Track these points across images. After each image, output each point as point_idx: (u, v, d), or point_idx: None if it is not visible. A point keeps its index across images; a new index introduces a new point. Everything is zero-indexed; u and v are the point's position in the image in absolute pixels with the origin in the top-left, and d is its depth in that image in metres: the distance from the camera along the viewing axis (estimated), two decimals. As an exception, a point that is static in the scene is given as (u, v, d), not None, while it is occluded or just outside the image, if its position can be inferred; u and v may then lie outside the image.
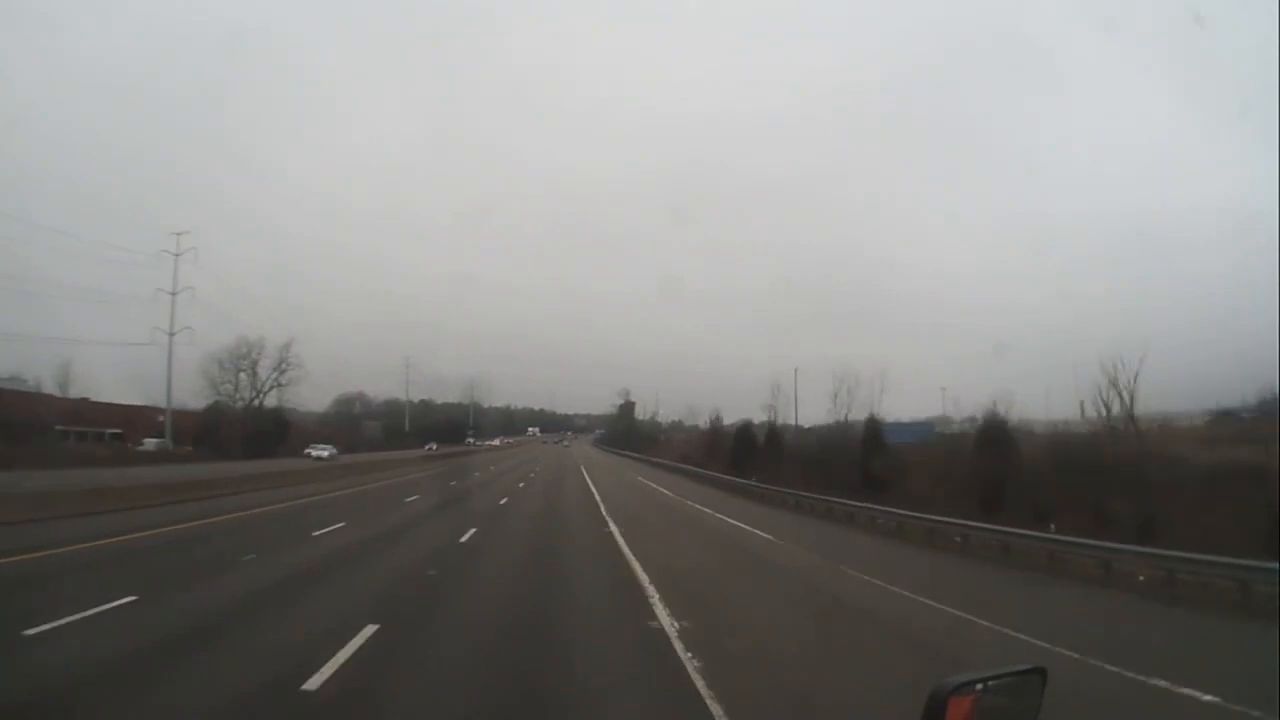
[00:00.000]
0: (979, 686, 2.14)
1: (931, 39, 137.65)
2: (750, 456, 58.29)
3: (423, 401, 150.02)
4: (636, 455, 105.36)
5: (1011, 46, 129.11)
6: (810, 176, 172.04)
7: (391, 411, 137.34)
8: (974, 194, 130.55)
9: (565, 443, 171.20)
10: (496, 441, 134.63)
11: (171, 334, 79.85)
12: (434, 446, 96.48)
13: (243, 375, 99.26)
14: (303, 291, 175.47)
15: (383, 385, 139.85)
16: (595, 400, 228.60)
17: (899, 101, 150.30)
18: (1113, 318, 67.13)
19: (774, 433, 61.77)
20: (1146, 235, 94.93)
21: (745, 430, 64.96)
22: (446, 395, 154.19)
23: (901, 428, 60.15)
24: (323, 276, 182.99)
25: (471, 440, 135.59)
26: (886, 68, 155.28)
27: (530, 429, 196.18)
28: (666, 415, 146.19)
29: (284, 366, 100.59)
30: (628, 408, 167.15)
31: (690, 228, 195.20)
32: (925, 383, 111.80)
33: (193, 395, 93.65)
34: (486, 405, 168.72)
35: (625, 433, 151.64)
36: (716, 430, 77.70)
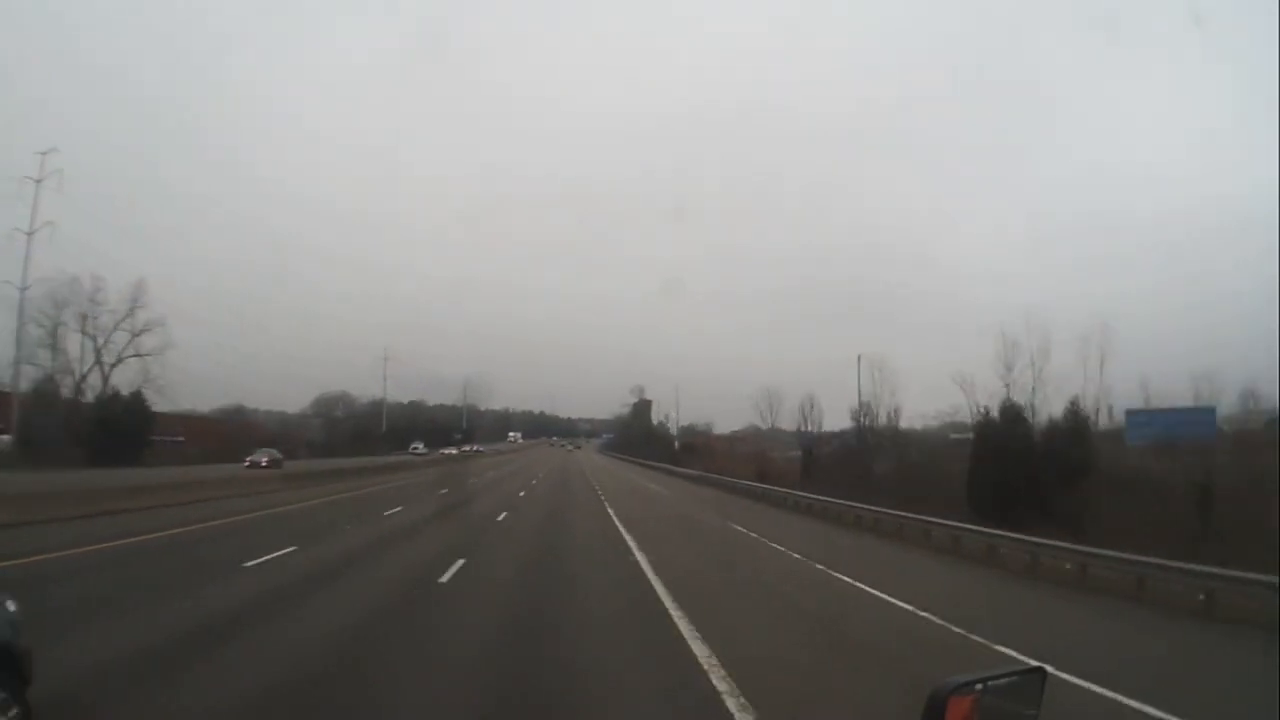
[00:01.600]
0: (979, 687, 1.97)
1: (931, 37, 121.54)
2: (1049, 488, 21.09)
3: (412, 403, 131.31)
4: (673, 469, 68.05)
5: (1011, 46, 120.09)
6: (818, 172, 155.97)
7: (377, 413, 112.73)
8: (976, 194, 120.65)
9: (569, 447, 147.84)
10: (453, 450, 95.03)
11: (23, 289, 51.13)
12: (265, 460, 48.58)
13: (71, 333, 61.64)
14: (295, 292, 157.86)
15: (378, 387, 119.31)
16: (600, 404, 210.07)
17: (901, 108, 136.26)
18: (1116, 318, 57.88)
19: (1079, 436, 24.93)
20: (1147, 237, 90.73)
21: (1011, 431, 27.58)
22: (444, 397, 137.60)
23: (1150, 417, 38.20)
24: (317, 277, 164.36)
25: (419, 447, 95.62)
26: (891, 71, 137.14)
27: (511, 434, 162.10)
28: (681, 418, 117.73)
29: (138, 327, 62.93)
30: (642, 407, 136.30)
31: (696, 228, 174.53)
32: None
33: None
34: (483, 408, 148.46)
35: (642, 437, 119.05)
36: (863, 438, 40.17)
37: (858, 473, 36.97)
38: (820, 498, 31.20)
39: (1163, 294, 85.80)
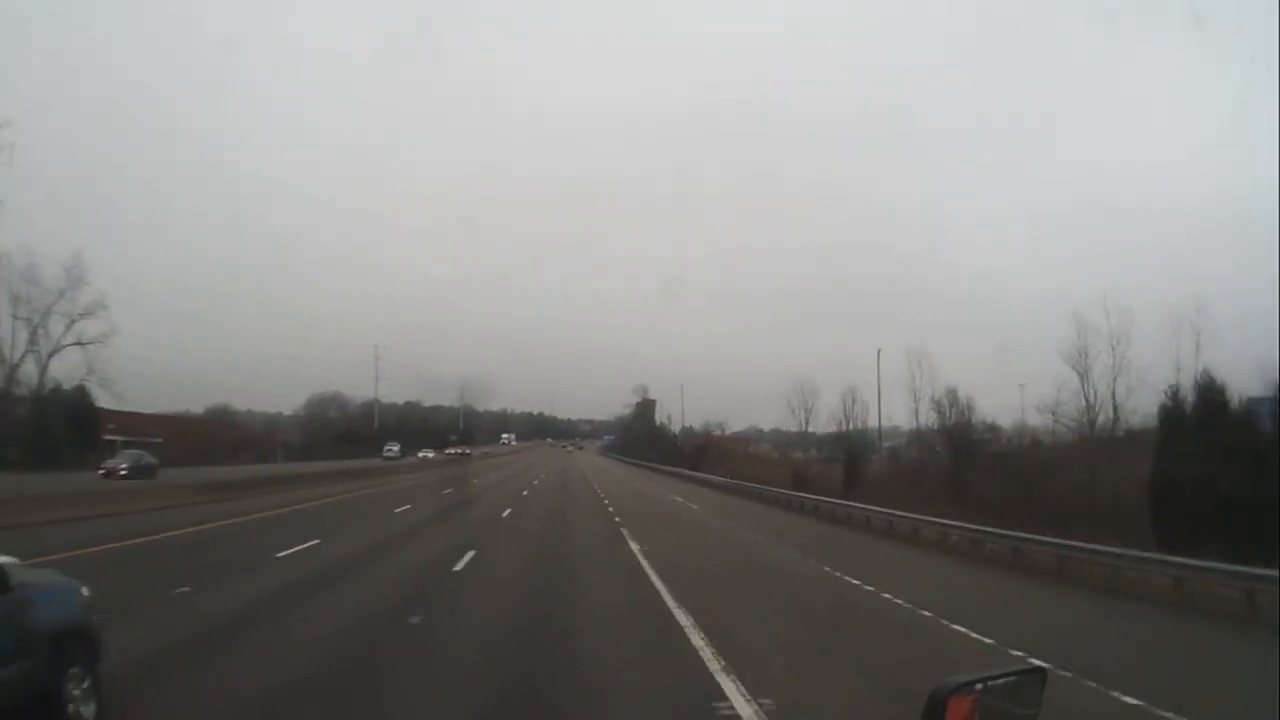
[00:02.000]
0: (979, 686, 1.90)
1: (931, 36, 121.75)
2: None
3: (409, 404, 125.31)
4: (690, 475, 58.54)
5: (1008, 44, 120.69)
6: (820, 171, 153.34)
7: (371, 413, 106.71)
8: (976, 194, 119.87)
9: (569, 448, 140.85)
10: (430, 453, 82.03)
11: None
12: (124, 468, 35.94)
13: (3, 317, 51.90)
14: (294, 292, 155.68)
15: (390, 388, 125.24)
16: (600, 406, 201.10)
17: (902, 109, 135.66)
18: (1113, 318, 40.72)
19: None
20: (1147, 236, 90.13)
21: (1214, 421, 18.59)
22: (443, 399, 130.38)
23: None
24: (316, 278, 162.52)
25: (394, 449, 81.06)
26: (892, 71, 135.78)
27: (504, 436, 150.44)
28: (684, 419, 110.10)
29: (78, 311, 53.12)
30: (646, 407, 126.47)
31: (697, 228, 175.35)
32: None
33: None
34: (481, 409, 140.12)
35: (646, 438, 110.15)
36: (956, 438, 30.74)
37: (943, 482, 27.71)
38: (926, 518, 21.88)
39: (1162, 293, 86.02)
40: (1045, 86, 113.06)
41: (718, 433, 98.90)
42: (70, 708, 5.34)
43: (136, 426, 61.02)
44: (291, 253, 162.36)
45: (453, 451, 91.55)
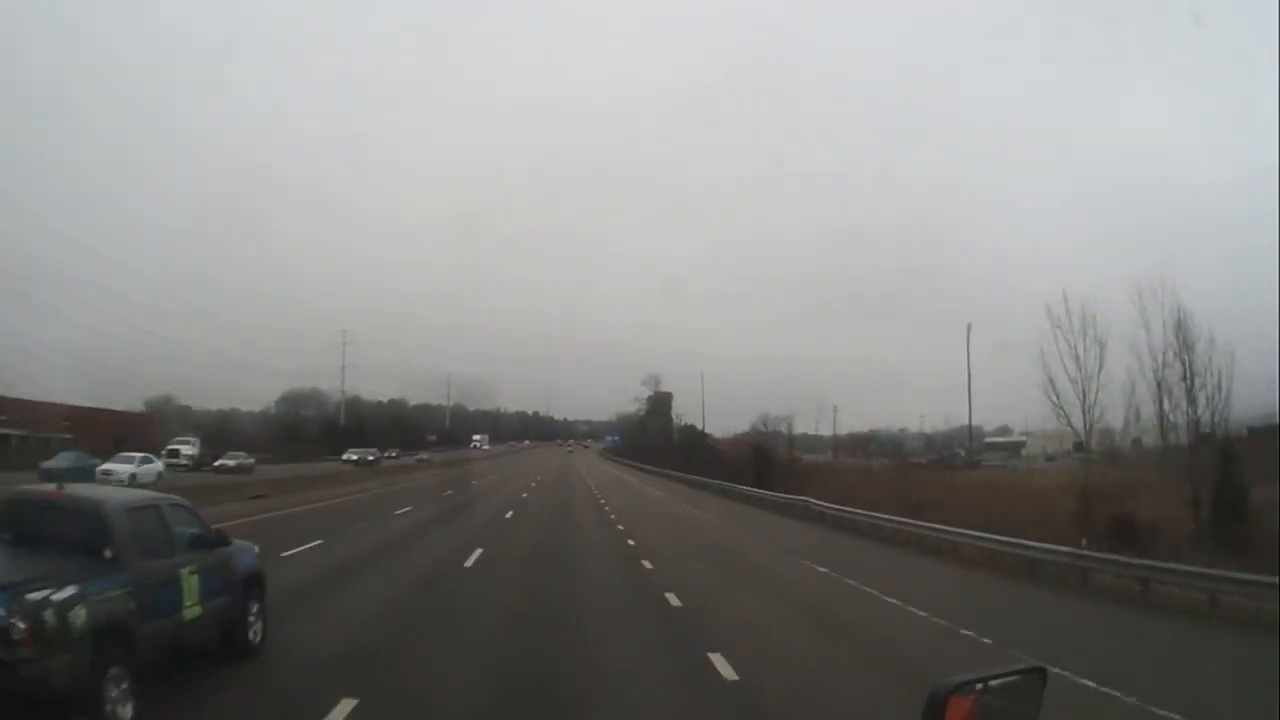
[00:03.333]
0: (979, 686, 1.89)
1: (928, 35, 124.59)
2: None
3: (393, 401, 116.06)
4: (851, 513, 35.36)
5: (1008, 43, 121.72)
6: (819, 160, 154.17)
7: (349, 411, 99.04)
8: (973, 191, 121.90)
9: (569, 447, 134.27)
10: (230, 462, 48.97)
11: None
12: None
13: None
14: (290, 289, 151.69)
15: (379, 386, 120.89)
16: (599, 406, 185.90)
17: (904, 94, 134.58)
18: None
19: None
20: (1147, 238, 75.72)
21: None
22: (436, 397, 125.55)
23: None
24: (312, 275, 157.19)
25: (189, 445, 52.76)
26: (893, 60, 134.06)
27: (475, 438, 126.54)
28: (688, 418, 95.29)
29: None
30: (661, 401, 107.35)
31: (697, 225, 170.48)
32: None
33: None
34: (473, 408, 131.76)
35: (664, 439, 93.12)
36: None
37: None
38: None
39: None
40: (1041, 86, 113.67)
41: (794, 431, 71.83)
42: (250, 630, 8.38)
43: (39, 418, 52.60)
44: (284, 250, 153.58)
45: (352, 458, 62.50)
